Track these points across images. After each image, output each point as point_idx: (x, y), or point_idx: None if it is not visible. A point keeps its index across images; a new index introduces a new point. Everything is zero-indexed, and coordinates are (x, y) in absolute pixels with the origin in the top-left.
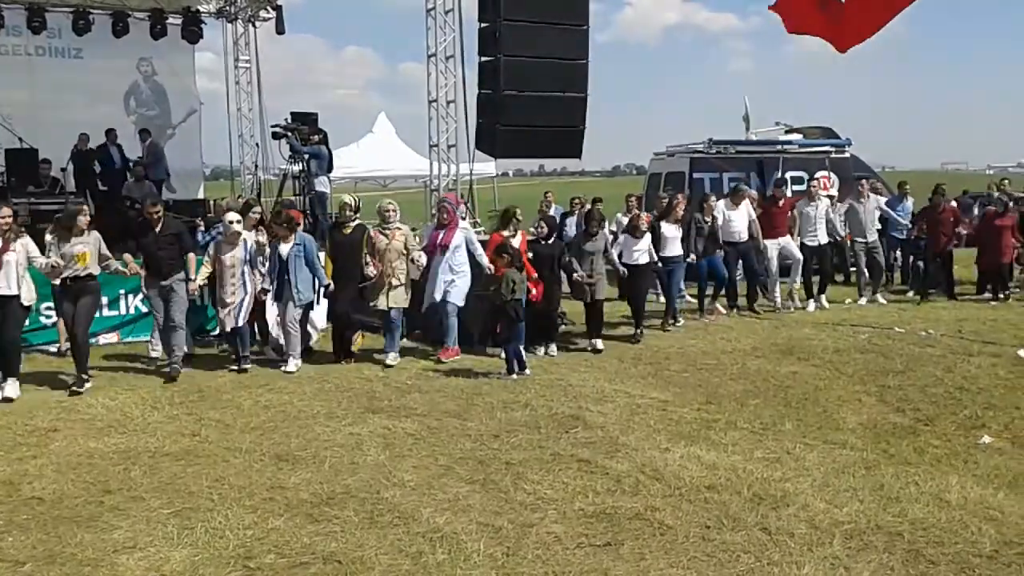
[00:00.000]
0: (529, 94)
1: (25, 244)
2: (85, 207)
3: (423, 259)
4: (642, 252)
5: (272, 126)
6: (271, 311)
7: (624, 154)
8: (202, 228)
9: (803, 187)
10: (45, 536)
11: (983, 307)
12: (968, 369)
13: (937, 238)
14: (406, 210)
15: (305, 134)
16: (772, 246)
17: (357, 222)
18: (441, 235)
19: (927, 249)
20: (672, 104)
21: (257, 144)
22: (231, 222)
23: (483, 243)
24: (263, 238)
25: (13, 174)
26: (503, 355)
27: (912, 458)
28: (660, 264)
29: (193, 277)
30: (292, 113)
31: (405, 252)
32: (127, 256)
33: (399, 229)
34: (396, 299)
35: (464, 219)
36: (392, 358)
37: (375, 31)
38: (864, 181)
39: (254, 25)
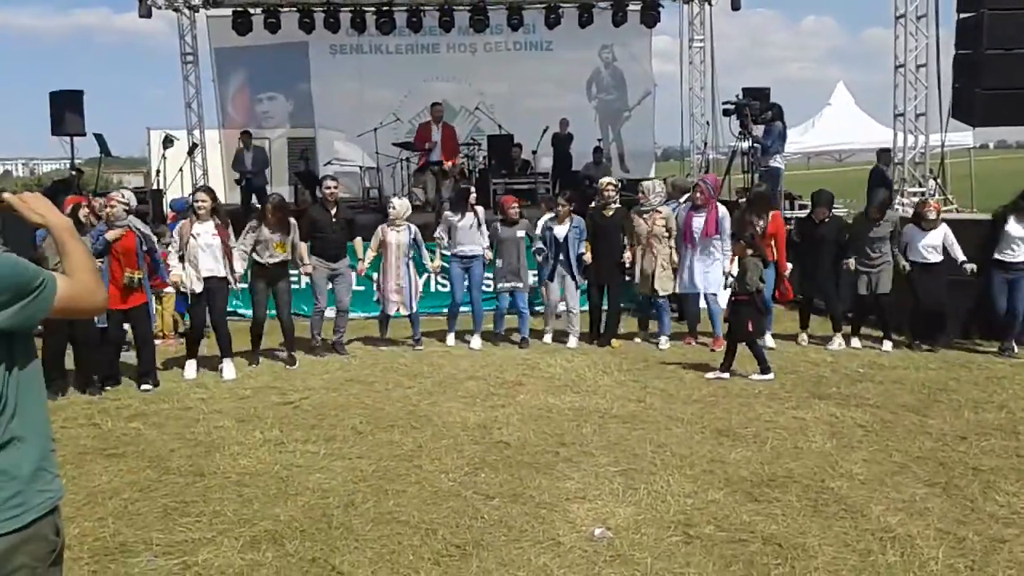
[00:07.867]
0: (1017, 52)
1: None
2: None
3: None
4: (933, 248)
5: (723, 103)
6: (553, 289)
7: None
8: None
9: None
10: (510, 477)
11: None
12: None
13: None
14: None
15: (756, 110)
16: None
17: (618, 205)
18: (696, 219)
19: None
20: None
21: (707, 122)
22: (393, 207)
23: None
24: None
25: (493, 157)
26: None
27: None
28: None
29: (361, 257)
30: (744, 89)
31: (667, 235)
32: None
33: (658, 212)
34: (662, 284)
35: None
36: (664, 342)
37: None
38: None
39: (710, 3)
